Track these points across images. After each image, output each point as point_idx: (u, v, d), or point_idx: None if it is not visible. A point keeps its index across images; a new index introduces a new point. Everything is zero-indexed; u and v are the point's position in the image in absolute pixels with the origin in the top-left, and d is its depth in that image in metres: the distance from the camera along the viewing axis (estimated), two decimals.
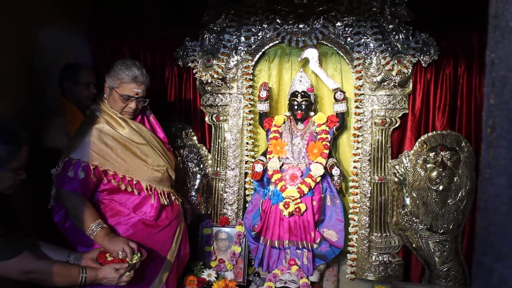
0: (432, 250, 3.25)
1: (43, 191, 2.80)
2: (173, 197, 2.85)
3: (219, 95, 3.57)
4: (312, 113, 3.36)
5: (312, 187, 3.20)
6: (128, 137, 2.70)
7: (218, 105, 3.56)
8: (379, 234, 3.37)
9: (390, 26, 3.25)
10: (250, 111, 3.52)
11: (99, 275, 2.20)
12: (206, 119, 3.63)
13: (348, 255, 3.42)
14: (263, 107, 3.44)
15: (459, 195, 3.20)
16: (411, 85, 3.30)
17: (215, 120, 3.58)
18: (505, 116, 0.73)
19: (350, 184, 3.39)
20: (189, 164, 3.57)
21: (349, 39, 3.32)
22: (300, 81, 3.30)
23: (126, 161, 2.66)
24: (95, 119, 2.66)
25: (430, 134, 3.26)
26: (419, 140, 3.26)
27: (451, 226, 3.22)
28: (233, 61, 3.49)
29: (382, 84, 3.28)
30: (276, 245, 3.23)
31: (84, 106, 3.37)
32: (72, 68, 3.30)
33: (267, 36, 3.45)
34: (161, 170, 2.79)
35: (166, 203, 2.77)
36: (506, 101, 0.72)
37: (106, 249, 2.35)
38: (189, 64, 3.59)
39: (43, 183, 2.84)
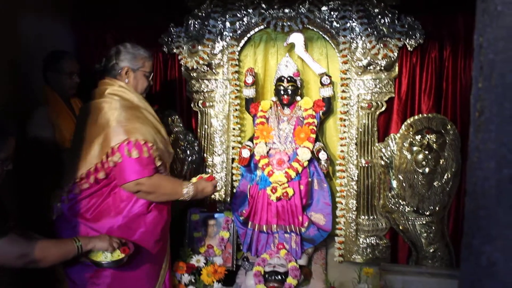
0: (419, 232, 3.28)
1: (29, 181, 2.78)
2: None
3: (205, 81, 3.55)
4: (298, 98, 3.36)
5: (299, 172, 3.21)
6: (154, 115, 2.70)
7: (204, 91, 3.54)
8: (367, 217, 3.39)
9: (376, 10, 3.25)
10: (236, 96, 3.51)
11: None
12: (192, 105, 3.61)
13: (336, 238, 3.44)
14: (249, 92, 3.43)
15: (445, 177, 3.23)
16: (397, 69, 3.31)
17: (201, 106, 3.56)
18: (493, 100, 0.73)
19: (337, 168, 3.41)
20: (176, 150, 3.56)
21: (334, 23, 3.31)
22: (286, 66, 3.29)
23: (160, 142, 2.59)
24: (131, 102, 2.59)
25: (416, 117, 3.27)
26: (405, 123, 3.28)
27: (437, 208, 3.26)
28: (218, 47, 3.47)
29: (368, 68, 3.28)
30: (264, 230, 3.25)
31: (68, 95, 3.33)
32: (54, 57, 3.26)
33: (253, 21, 3.43)
34: (172, 153, 2.78)
35: None
36: (495, 85, 0.72)
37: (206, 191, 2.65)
38: (174, 51, 3.56)
39: (28, 173, 2.82)
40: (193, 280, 3.04)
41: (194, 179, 2.72)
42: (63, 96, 3.29)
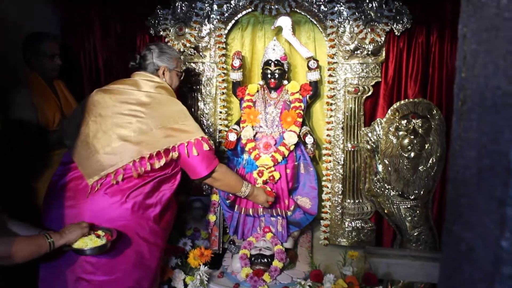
0: (404, 216, 3.32)
1: (12, 164, 2.76)
2: None
3: (192, 64, 3.53)
4: (285, 82, 3.35)
5: (286, 156, 3.21)
6: None
7: (191, 74, 3.53)
8: (352, 201, 3.42)
9: None
10: (223, 80, 3.50)
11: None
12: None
13: (321, 221, 3.48)
14: (236, 76, 3.42)
15: (430, 161, 3.26)
16: (384, 54, 3.31)
17: (188, 90, 3.55)
18: (475, 90, 0.74)
19: (324, 152, 3.42)
20: None
21: (322, 7, 3.30)
22: (274, 49, 3.28)
23: None
24: (174, 96, 2.80)
25: (402, 102, 3.28)
26: (392, 108, 3.29)
27: (422, 192, 3.29)
28: (205, 30, 3.45)
29: (355, 52, 3.28)
30: (251, 213, 3.26)
31: (50, 77, 3.30)
32: (35, 38, 3.21)
33: (240, 4, 3.40)
34: None
35: None
36: (477, 75, 0.73)
37: (259, 199, 3.04)
38: (161, 33, 3.54)
39: (11, 156, 2.80)
40: (179, 263, 3.05)
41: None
42: (45, 78, 3.26)
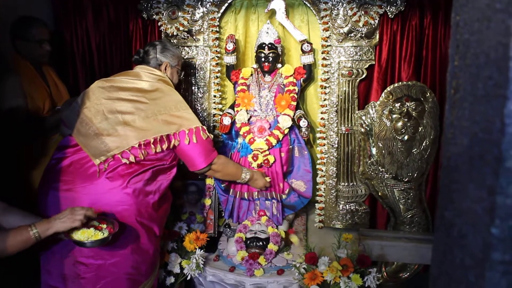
0: (397, 198, 3.34)
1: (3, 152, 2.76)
2: None
3: (185, 47, 3.51)
4: (279, 65, 3.35)
5: (280, 139, 3.22)
6: None
7: (185, 58, 3.51)
8: (346, 184, 3.44)
9: None
10: (217, 63, 3.48)
11: None
12: None
13: (316, 204, 3.50)
14: (230, 59, 3.41)
15: (423, 144, 3.27)
16: (377, 36, 3.30)
17: (181, 74, 3.54)
18: (468, 79, 0.74)
19: (318, 135, 3.43)
20: None
21: None
22: (267, 33, 3.26)
23: None
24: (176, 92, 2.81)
25: (396, 85, 3.28)
26: (385, 91, 3.29)
27: (415, 175, 3.31)
28: (198, 13, 3.43)
29: (349, 35, 3.27)
30: (246, 197, 3.28)
31: (39, 63, 3.27)
32: (23, 24, 3.16)
33: None
34: None
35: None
36: (469, 64, 0.73)
37: (257, 184, 3.11)
38: (154, 17, 3.51)
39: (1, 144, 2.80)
40: (175, 247, 3.07)
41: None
42: (35, 64, 3.23)
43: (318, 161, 3.45)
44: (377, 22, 3.24)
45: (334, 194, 3.44)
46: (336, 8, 3.26)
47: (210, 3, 3.40)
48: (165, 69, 2.90)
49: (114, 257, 2.43)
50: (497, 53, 0.64)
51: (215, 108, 3.54)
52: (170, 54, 2.93)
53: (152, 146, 2.50)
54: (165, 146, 2.54)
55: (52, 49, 3.31)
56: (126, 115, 2.53)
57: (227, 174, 2.94)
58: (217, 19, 3.43)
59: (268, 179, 3.15)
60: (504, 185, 0.67)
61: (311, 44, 3.29)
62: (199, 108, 3.53)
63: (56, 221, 2.11)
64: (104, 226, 2.29)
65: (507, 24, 0.61)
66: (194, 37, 3.47)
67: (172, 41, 3.50)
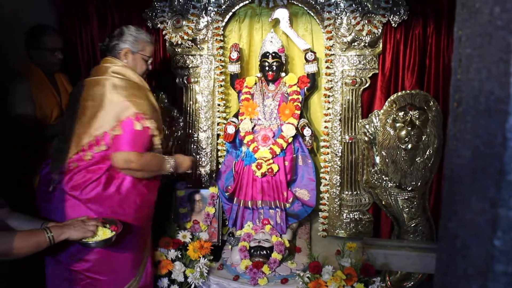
0: (401, 207, 3.34)
1: (9, 158, 2.77)
2: None
3: (190, 56, 3.54)
4: (283, 74, 3.37)
5: (284, 148, 3.23)
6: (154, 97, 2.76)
7: (189, 66, 3.53)
8: (350, 192, 3.45)
9: None
10: (221, 72, 3.51)
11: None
12: (177, 81, 3.60)
13: (320, 213, 3.50)
14: (234, 68, 3.43)
15: (427, 153, 3.28)
16: (381, 45, 3.31)
17: (186, 82, 3.56)
18: (470, 93, 0.75)
19: (322, 144, 3.44)
20: None
21: None
22: (271, 41, 3.28)
23: (159, 121, 2.66)
24: (133, 81, 2.63)
25: (399, 93, 3.30)
26: (389, 99, 3.30)
27: (419, 183, 3.31)
28: (203, 22, 3.45)
29: (353, 44, 3.29)
30: (250, 206, 3.29)
31: (51, 71, 3.31)
32: (36, 32, 3.21)
33: None
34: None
35: None
36: (472, 79, 0.74)
37: (184, 166, 2.78)
38: (159, 25, 3.53)
39: (8, 150, 2.81)
40: (179, 256, 3.07)
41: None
42: (46, 72, 3.27)
43: (322, 170, 3.46)
44: (380, 31, 3.25)
45: (338, 203, 3.44)
46: (339, 17, 3.27)
47: (214, 12, 3.42)
48: (125, 55, 2.69)
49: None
50: (498, 69, 0.65)
51: (219, 117, 3.56)
52: (132, 39, 2.69)
53: (86, 152, 2.49)
54: (103, 147, 2.47)
55: (64, 57, 3.34)
56: (85, 117, 2.53)
57: (151, 171, 2.62)
58: (221, 28, 3.46)
59: (194, 158, 2.88)
60: (506, 198, 0.67)
61: (314, 53, 3.31)
62: (203, 116, 3.54)
63: (70, 228, 2.15)
64: (108, 226, 2.31)
65: (508, 41, 0.62)
66: (198, 46, 3.49)
67: (176, 49, 3.52)
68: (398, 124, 3.27)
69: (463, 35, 0.78)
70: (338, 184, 3.43)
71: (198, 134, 3.57)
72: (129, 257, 2.61)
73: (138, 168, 2.50)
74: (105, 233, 2.25)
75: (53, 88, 3.29)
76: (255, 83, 3.38)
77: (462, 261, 0.85)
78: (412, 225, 3.35)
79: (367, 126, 3.34)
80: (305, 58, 3.31)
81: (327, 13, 3.28)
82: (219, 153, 3.61)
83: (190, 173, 3.39)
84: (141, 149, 2.50)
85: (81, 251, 2.42)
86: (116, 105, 2.46)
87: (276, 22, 3.37)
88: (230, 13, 3.45)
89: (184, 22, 3.45)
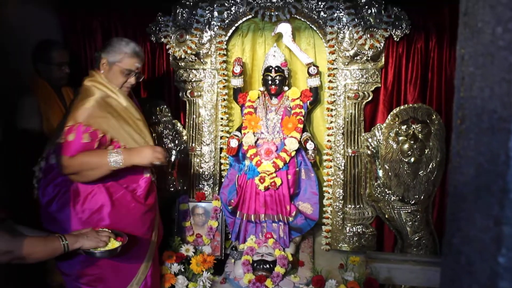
0: (404, 220, 3.34)
1: (19, 172, 2.78)
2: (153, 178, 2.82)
3: (193, 70, 3.55)
4: (286, 88, 3.38)
5: (287, 161, 3.23)
6: (129, 110, 2.67)
7: (192, 80, 3.55)
8: (353, 206, 3.44)
9: (363, 1, 3.25)
10: (224, 86, 3.52)
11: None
12: (180, 95, 3.61)
13: (323, 227, 3.49)
14: (237, 82, 3.44)
15: (430, 166, 3.28)
16: (383, 59, 3.33)
17: (189, 96, 3.57)
18: (473, 111, 0.76)
19: (324, 157, 3.44)
20: (164, 140, 3.57)
21: (322, 13, 3.31)
22: (274, 56, 3.30)
23: (127, 133, 2.61)
24: (93, 91, 2.57)
25: (402, 107, 3.31)
26: (391, 113, 3.31)
27: (422, 197, 3.31)
28: (206, 36, 3.47)
29: (355, 58, 3.30)
30: (253, 219, 3.28)
31: (58, 85, 3.33)
32: (44, 47, 3.24)
33: (240, 10, 3.42)
34: None
35: (154, 179, 2.79)
36: (475, 97, 0.75)
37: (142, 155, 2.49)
38: (162, 40, 3.55)
39: (15, 163, 2.81)
40: (182, 269, 3.07)
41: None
42: (54, 86, 3.29)
43: (325, 184, 3.46)
44: (382, 45, 3.27)
45: (341, 216, 3.44)
46: (342, 32, 3.29)
47: (217, 27, 3.44)
48: (103, 66, 2.64)
49: None
50: (501, 89, 0.66)
51: (222, 131, 3.57)
52: (111, 50, 2.63)
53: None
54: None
55: (71, 71, 3.37)
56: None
57: (90, 169, 2.46)
58: (225, 42, 3.47)
59: (159, 151, 2.58)
60: (510, 215, 0.68)
61: (317, 67, 3.33)
62: (206, 130, 3.55)
63: (84, 238, 2.21)
64: (113, 236, 2.34)
65: (510, 62, 0.63)
66: (201, 60, 3.51)
67: (180, 64, 3.54)
68: (400, 138, 3.27)
69: (466, 54, 0.79)
70: (341, 198, 3.43)
71: (201, 148, 3.58)
72: (115, 267, 2.57)
73: (75, 171, 2.43)
74: (113, 244, 2.28)
75: (60, 101, 3.31)
76: (258, 97, 3.40)
77: (466, 277, 0.86)
78: (416, 238, 3.34)
79: (369, 140, 3.35)
80: (308, 72, 3.33)
81: (330, 28, 3.30)
82: (222, 167, 3.62)
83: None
84: (72, 153, 2.41)
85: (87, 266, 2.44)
86: (69, 117, 2.49)
87: (279, 36, 3.39)
88: (233, 28, 3.47)
89: (187, 37, 3.47)
